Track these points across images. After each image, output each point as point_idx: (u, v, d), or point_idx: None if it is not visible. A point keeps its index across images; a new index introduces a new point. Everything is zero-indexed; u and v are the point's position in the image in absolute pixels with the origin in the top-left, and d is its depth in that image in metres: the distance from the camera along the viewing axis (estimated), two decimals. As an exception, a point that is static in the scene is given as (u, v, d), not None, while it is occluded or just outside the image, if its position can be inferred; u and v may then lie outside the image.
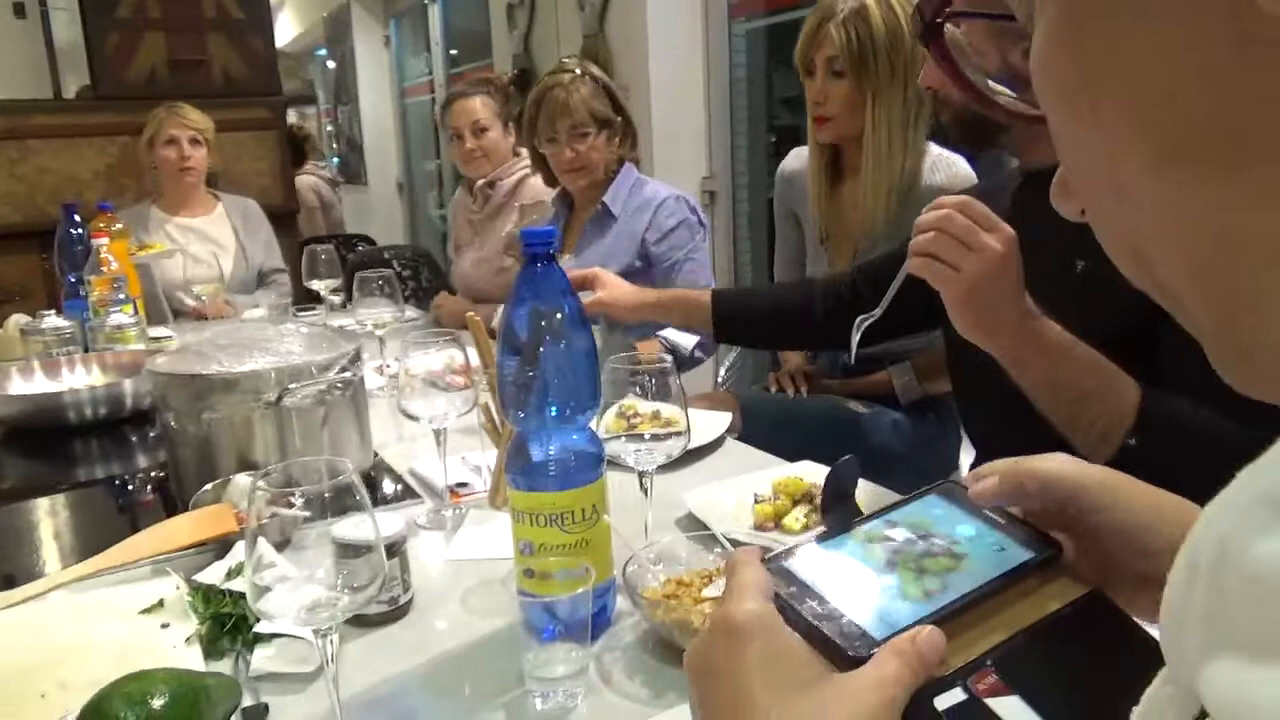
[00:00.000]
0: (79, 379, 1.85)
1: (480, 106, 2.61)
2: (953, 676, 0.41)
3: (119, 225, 2.39)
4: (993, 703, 0.39)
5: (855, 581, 0.45)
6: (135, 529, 1.13)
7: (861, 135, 1.71)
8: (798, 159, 1.94)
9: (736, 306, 1.60)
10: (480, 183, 2.64)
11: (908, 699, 0.39)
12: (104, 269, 2.10)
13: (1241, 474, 0.24)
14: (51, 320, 2.01)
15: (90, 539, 1.22)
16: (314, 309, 2.51)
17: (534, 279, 0.85)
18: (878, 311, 1.13)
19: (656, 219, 2.11)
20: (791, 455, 1.31)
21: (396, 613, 0.93)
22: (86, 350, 2.01)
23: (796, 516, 1.09)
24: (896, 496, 1.14)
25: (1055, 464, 0.51)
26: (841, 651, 0.41)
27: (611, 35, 3.67)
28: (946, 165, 1.71)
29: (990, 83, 0.35)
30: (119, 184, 3.51)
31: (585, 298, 1.49)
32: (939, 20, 0.33)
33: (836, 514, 0.51)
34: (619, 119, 2.14)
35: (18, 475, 1.59)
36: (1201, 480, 0.48)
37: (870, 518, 0.51)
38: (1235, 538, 0.23)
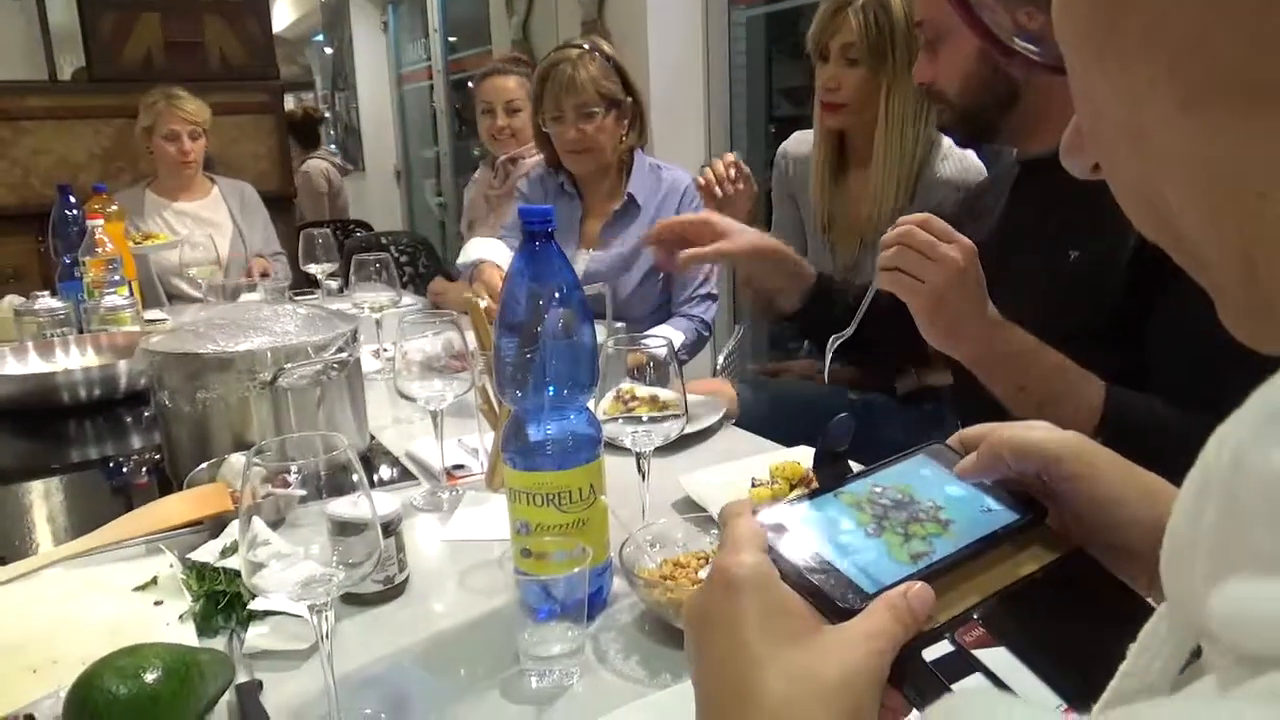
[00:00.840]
0: (73, 360, 1.84)
1: (516, 86, 2.61)
2: (940, 629, 0.42)
3: (114, 207, 2.38)
4: (980, 654, 0.40)
5: (845, 538, 0.46)
6: (129, 510, 1.12)
7: (870, 124, 1.69)
8: (801, 143, 1.92)
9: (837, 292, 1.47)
10: (503, 159, 2.64)
11: (897, 651, 0.41)
12: (99, 250, 2.09)
13: (1255, 393, 0.24)
14: (46, 301, 2.00)
15: (84, 520, 1.21)
16: (311, 293, 2.50)
17: (532, 257, 0.84)
18: (849, 330, 1.15)
19: (682, 206, 2.08)
20: (788, 441, 1.31)
21: (392, 592, 0.93)
22: (81, 331, 2.00)
23: (793, 501, 1.09)
24: None
25: (1031, 433, 0.52)
26: (832, 603, 0.43)
27: (611, 22, 3.66)
28: (958, 157, 1.69)
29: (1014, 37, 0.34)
30: (114, 166, 3.50)
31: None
32: None
33: (827, 471, 0.51)
34: (628, 100, 2.07)
35: (11, 456, 1.58)
36: (1166, 477, 0.49)
37: (860, 476, 0.52)
38: (1251, 450, 0.23)
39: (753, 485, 1.13)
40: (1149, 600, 0.45)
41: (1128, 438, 0.96)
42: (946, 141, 1.71)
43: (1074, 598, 0.46)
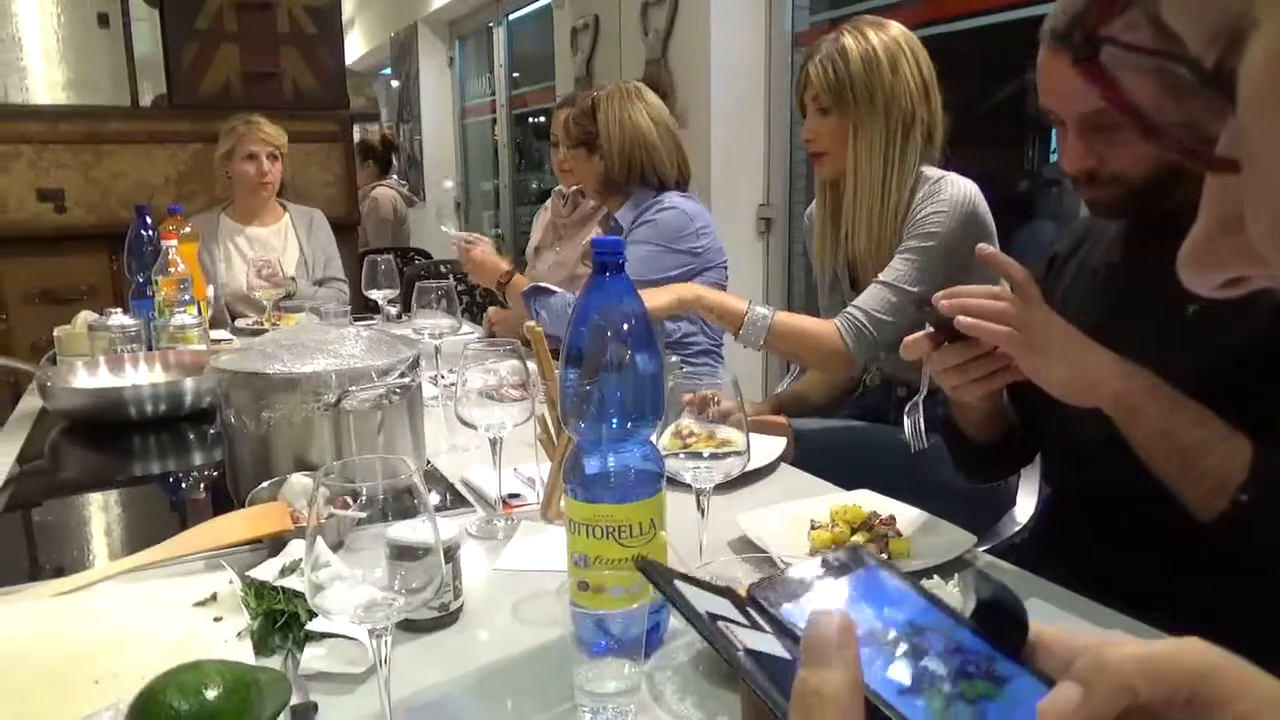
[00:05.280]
0: (141, 376, 1.89)
1: None
2: None
3: (188, 229, 2.44)
4: None
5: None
6: (184, 526, 1.14)
7: None
8: None
9: None
10: (572, 190, 2.70)
11: None
12: (171, 270, 2.15)
13: None
14: (118, 318, 2.05)
15: (141, 534, 1.23)
16: (371, 318, 2.54)
17: (602, 288, 0.84)
18: (922, 392, 1.11)
19: (643, 215, 2.19)
20: (846, 484, 1.29)
21: (446, 619, 0.92)
22: (150, 348, 2.05)
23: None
24: (955, 529, 1.08)
25: (1153, 648, 0.37)
26: None
27: (674, 61, 3.69)
28: (950, 186, 1.65)
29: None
30: (188, 190, 3.60)
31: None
32: (1100, 34, 0.28)
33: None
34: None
35: (77, 468, 1.62)
36: None
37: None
38: None
39: (812, 528, 1.11)
40: None
41: (1275, 498, 0.91)
42: (937, 174, 1.67)
43: None
